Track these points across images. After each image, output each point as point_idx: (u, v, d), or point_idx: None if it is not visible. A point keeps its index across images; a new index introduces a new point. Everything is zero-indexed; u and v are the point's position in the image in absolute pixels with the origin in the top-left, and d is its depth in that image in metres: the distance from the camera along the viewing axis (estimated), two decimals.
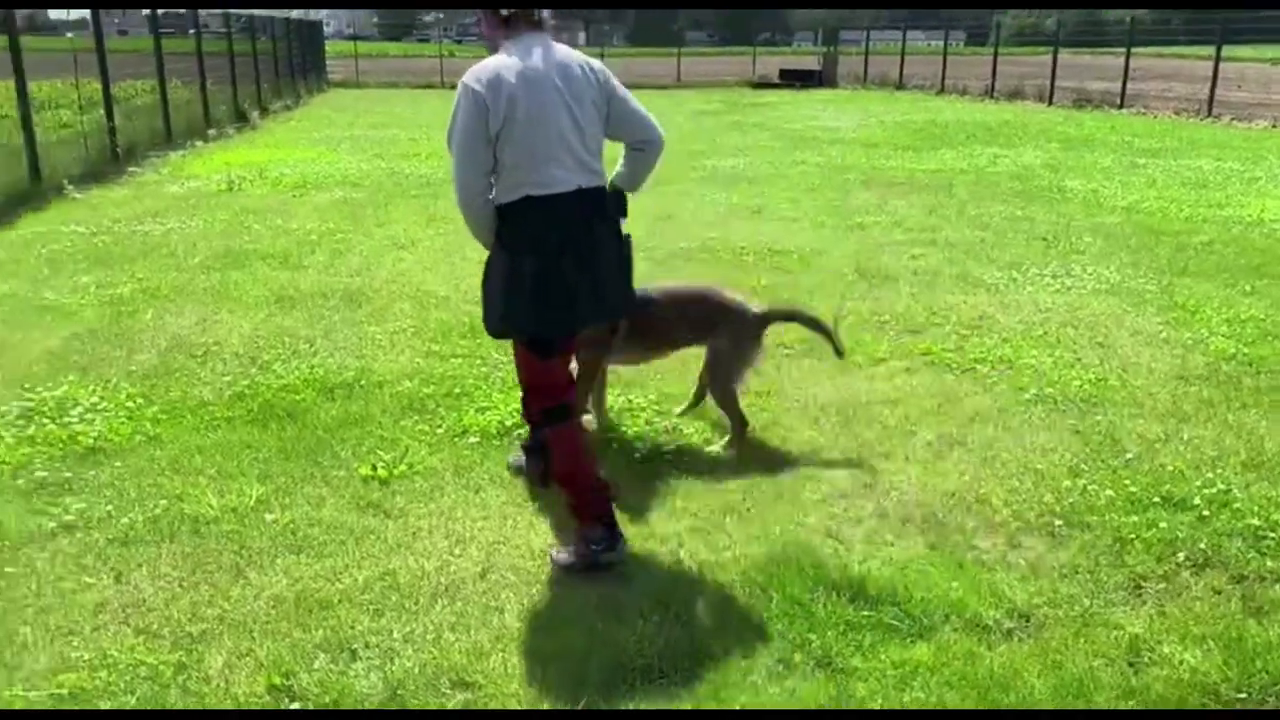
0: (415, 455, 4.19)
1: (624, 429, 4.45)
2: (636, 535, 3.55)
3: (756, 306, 4.41)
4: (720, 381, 4.30)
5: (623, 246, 3.50)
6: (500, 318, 3.37)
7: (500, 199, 3.25)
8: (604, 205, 3.39)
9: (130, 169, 12.56)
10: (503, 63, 3.20)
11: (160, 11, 16.32)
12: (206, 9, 18.37)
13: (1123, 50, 25.43)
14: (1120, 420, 4.56)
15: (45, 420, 4.49)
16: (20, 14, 10.98)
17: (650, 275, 7.11)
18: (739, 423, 4.31)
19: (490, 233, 3.32)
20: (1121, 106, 23.05)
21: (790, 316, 4.58)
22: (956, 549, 3.47)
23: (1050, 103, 24.98)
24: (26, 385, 4.90)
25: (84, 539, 3.53)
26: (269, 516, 3.67)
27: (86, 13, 14.05)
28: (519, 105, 3.14)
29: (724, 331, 4.29)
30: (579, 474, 3.42)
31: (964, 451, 4.25)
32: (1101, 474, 4.00)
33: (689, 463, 4.14)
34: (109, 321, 6.01)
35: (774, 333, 5.77)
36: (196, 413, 4.64)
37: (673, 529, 3.60)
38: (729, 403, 4.30)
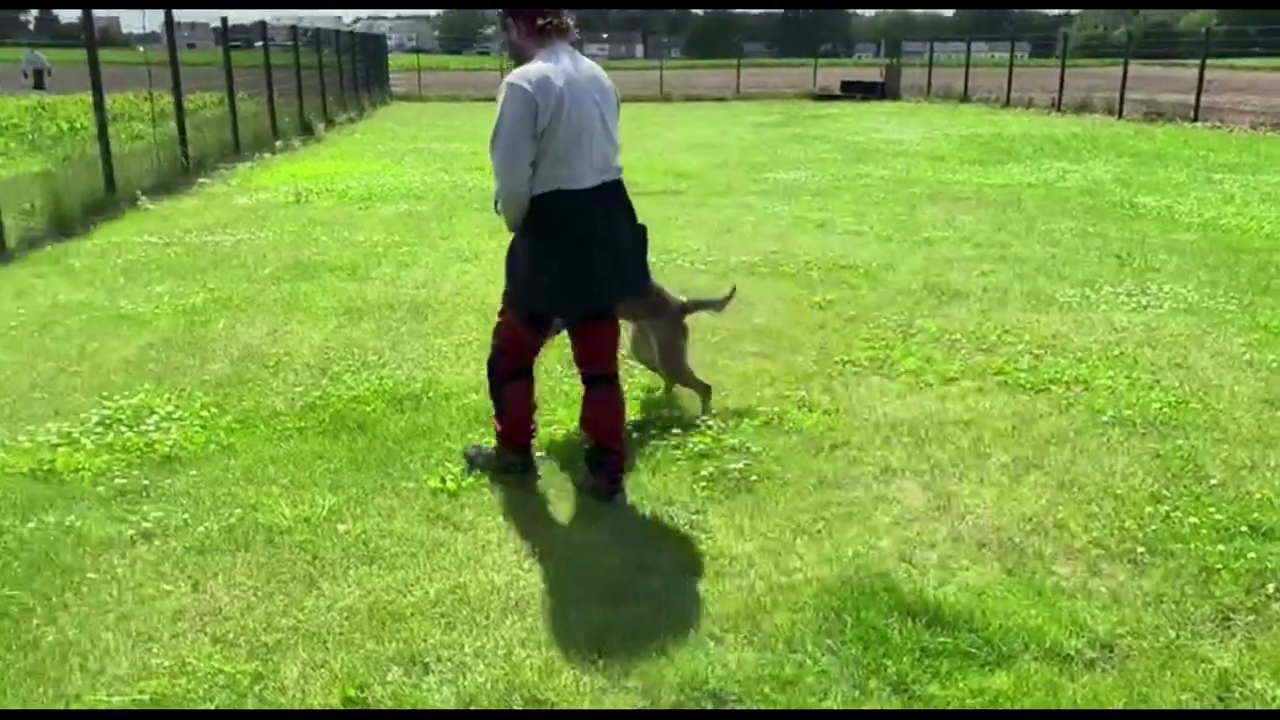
0: (483, 469, 4.20)
1: (690, 445, 4.42)
2: (705, 554, 3.53)
3: (680, 297, 4.86)
4: (674, 364, 4.78)
5: (639, 231, 3.90)
6: (524, 296, 3.81)
7: (533, 190, 3.60)
8: (620, 195, 3.78)
9: (200, 180, 12.84)
10: (548, 68, 3.53)
11: (228, 24, 16.68)
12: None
13: (1195, 62, 24.89)
14: (1203, 445, 4.43)
15: (123, 428, 4.59)
16: (94, 27, 11.27)
17: (712, 288, 7.11)
18: (703, 389, 4.80)
19: (521, 220, 3.69)
20: (1195, 120, 22.53)
21: (700, 307, 4.96)
22: (1035, 575, 3.39)
23: (1120, 116, 24.51)
24: (105, 393, 5.01)
25: (162, 546, 3.58)
26: (341, 527, 3.71)
27: (158, 26, 14.43)
28: (564, 107, 3.50)
29: (665, 318, 4.72)
30: (527, 422, 4.09)
31: (1040, 475, 4.16)
32: (1185, 500, 3.89)
33: (756, 481, 4.10)
34: (183, 331, 6.13)
35: (842, 349, 5.75)
36: (269, 423, 4.71)
37: (742, 549, 3.57)
38: (688, 376, 4.80)
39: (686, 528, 3.72)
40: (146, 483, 4.07)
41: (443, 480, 4.08)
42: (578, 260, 3.65)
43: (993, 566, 3.45)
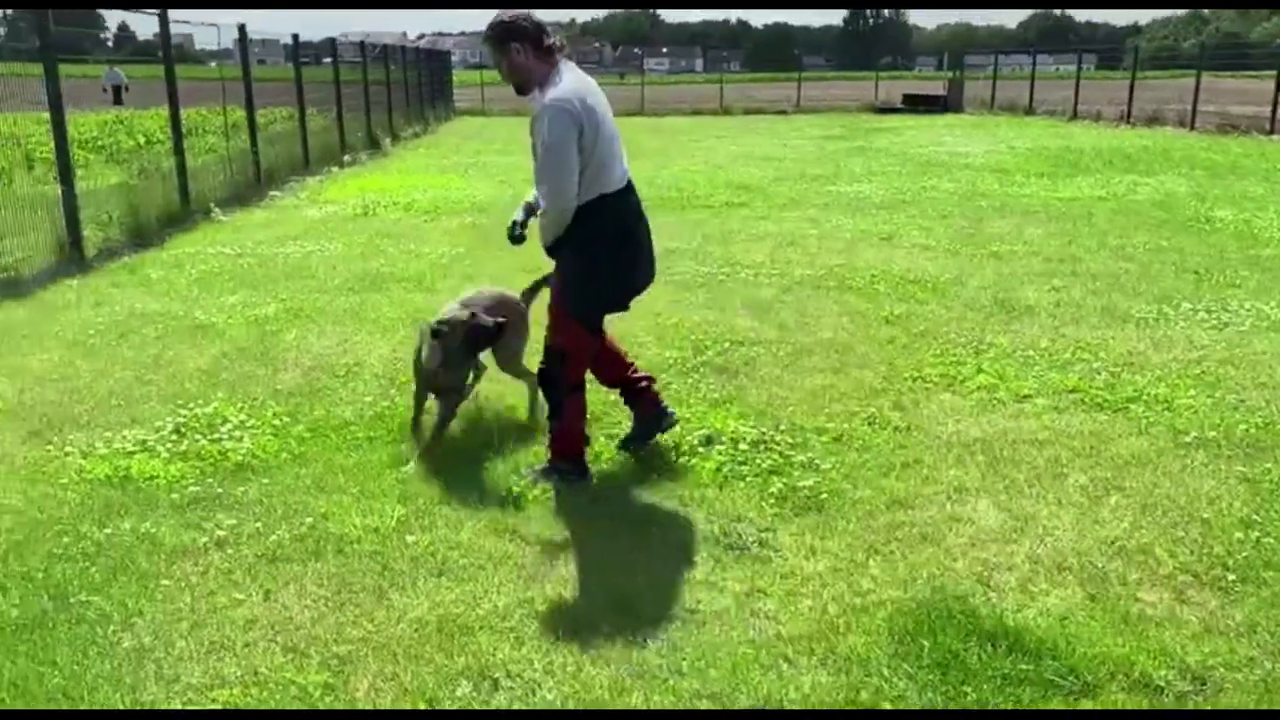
0: (549, 480, 4.19)
1: (758, 462, 4.36)
2: (776, 573, 3.47)
3: (518, 294, 4.90)
4: (515, 359, 4.85)
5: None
6: (587, 302, 4.00)
7: (579, 199, 3.82)
8: (635, 188, 4.06)
9: (271, 193, 13.08)
10: (573, 87, 3.77)
11: (299, 40, 17.02)
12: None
13: (1269, 73, 24.23)
14: None
15: (198, 436, 4.65)
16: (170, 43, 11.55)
17: (775, 301, 7.05)
18: (533, 379, 4.66)
19: (561, 233, 3.91)
20: (1271, 132, 21.92)
21: (533, 291, 4.93)
22: (1119, 602, 3.27)
23: (1192, 128, 23.94)
24: (180, 401, 5.09)
25: (234, 554, 3.62)
26: (410, 538, 3.71)
27: (231, 42, 14.74)
28: (597, 119, 3.77)
29: (518, 321, 4.81)
30: (582, 430, 4.22)
31: (1121, 497, 4.03)
32: (1278, 526, 3.74)
33: (826, 499, 4.03)
34: (254, 341, 6.22)
35: (912, 365, 5.65)
36: (339, 432, 4.74)
37: (813, 568, 3.50)
38: (524, 369, 4.85)
39: (756, 546, 3.66)
40: (220, 491, 4.12)
41: (509, 491, 4.07)
42: (626, 256, 3.99)
43: (1074, 591, 3.34)
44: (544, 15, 3.93)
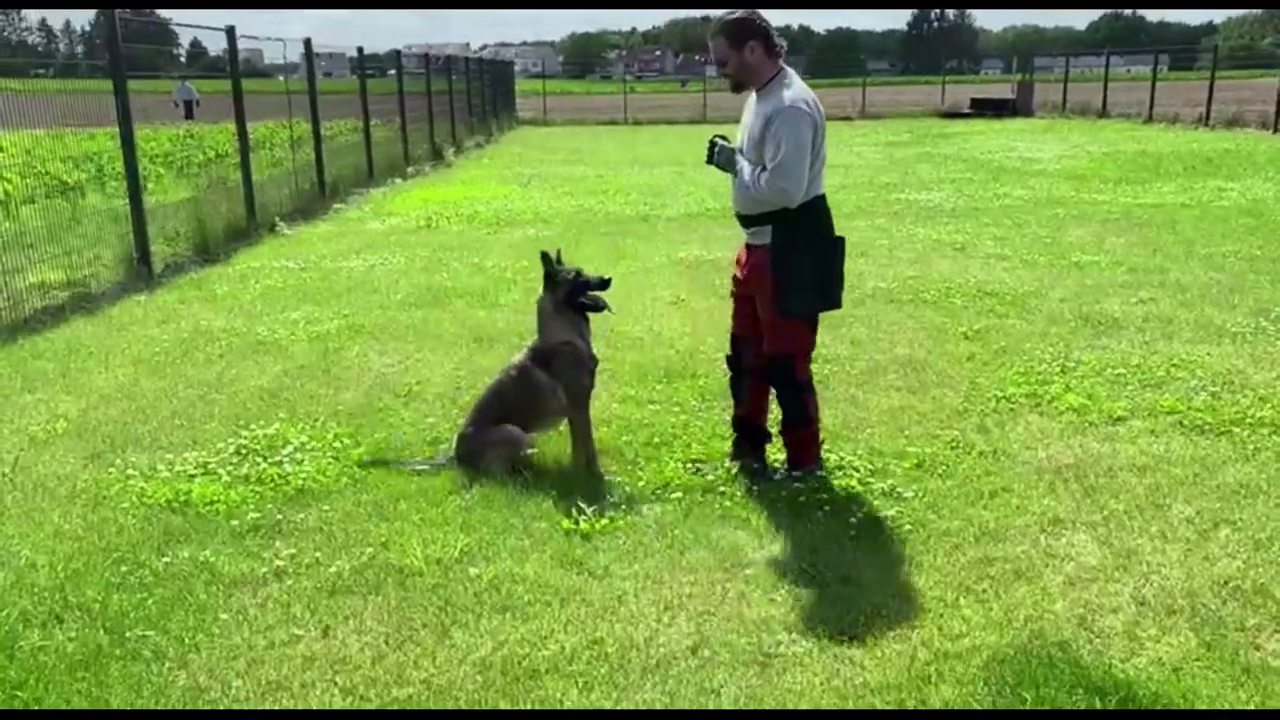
0: (616, 509, 4.02)
1: (836, 490, 4.15)
2: (860, 613, 3.25)
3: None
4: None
5: None
6: (813, 297, 4.06)
7: (803, 197, 3.94)
8: None
9: (335, 206, 13.14)
10: (807, 92, 3.95)
11: (364, 52, 17.14)
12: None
13: None
14: None
15: (258, 459, 4.57)
16: (239, 58, 11.64)
17: (846, 315, 6.80)
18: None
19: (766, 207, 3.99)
20: None
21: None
22: (1238, 650, 3.00)
23: (1275, 130, 23.07)
24: (241, 422, 5.02)
25: (293, 586, 3.50)
26: (473, 570, 3.56)
27: (297, 56, 14.86)
28: (820, 121, 3.96)
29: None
30: (817, 421, 4.30)
31: (1231, 530, 3.74)
32: None
33: (911, 531, 3.80)
34: (317, 358, 6.15)
35: (995, 384, 5.35)
36: (400, 456, 4.62)
37: (900, 609, 3.28)
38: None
39: (837, 582, 3.45)
40: (280, 517, 4.01)
41: (575, 521, 3.90)
42: (838, 253, 4.11)
43: (1187, 637, 3.08)
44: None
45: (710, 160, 4.18)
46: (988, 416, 5.02)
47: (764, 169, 3.91)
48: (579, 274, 4.55)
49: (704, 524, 3.89)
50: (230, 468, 4.47)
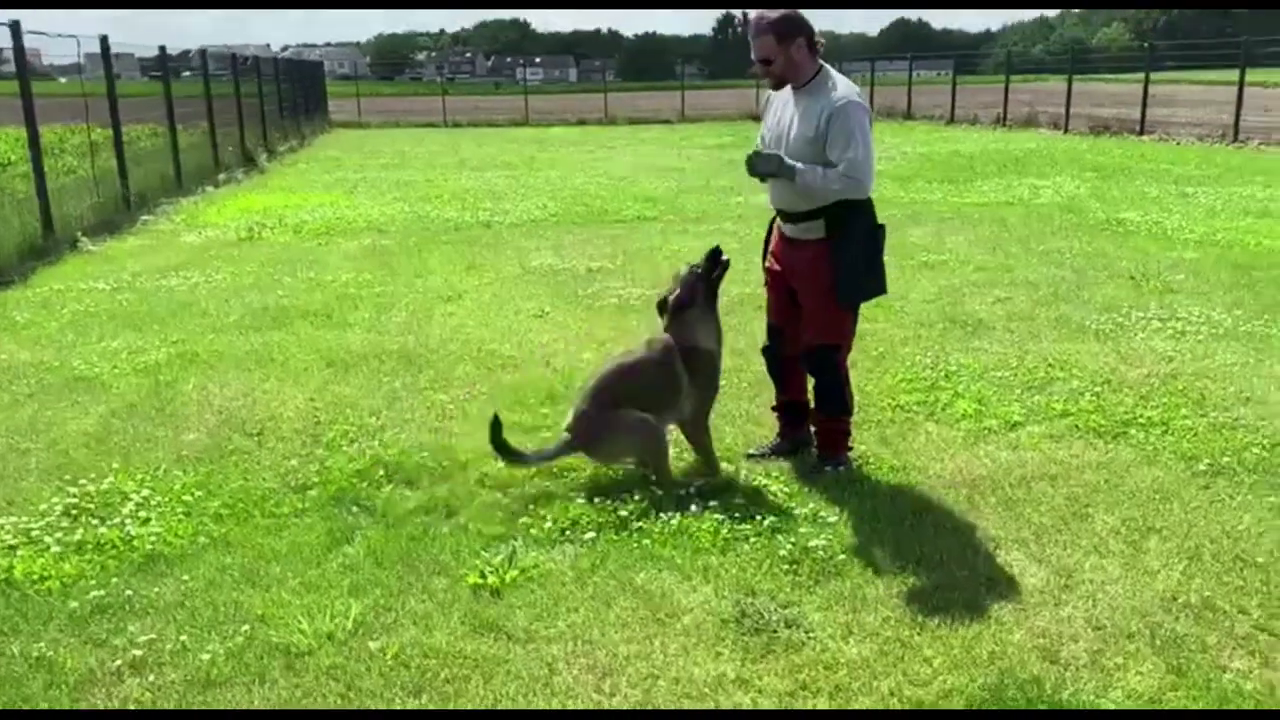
0: (525, 556, 3.62)
1: (759, 519, 3.87)
2: (817, 664, 2.98)
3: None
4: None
5: None
6: (868, 285, 4.17)
7: None
8: None
9: (144, 217, 12.04)
10: (850, 84, 4.04)
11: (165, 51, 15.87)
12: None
13: (1111, 77, 25.16)
14: None
15: (94, 520, 3.91)
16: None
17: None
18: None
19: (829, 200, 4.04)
20: (1141, 133, 22.66)
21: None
22: (1208, 674, 2.90)
23: (1066, 130, 24.62)
24: (67, 476, 4.32)
25: (157, 681, 2.94)
26: (373, 645, 3.09)
27: (80, 57, 13.49)
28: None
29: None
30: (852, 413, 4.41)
31: (1159, 540, 3.69)
32: None
33: (845, 561, 3.57)
34: (148, 394, 5.43)
35: (885, 393, 5.22)
36: (263, 506, 4.06)
37: (858, 653, 3.03)
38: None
39: (782, 626, 3.17)
40: (129, 592, 3.41)
41: (482, 575, 3.48)
42: (884, 239, 4.22)
43: (1155, 664, 2.95)
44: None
45: (754, 172, 4.12)
46: (887, 428, 4.89)
47: (830, 166, 3.95)
48: (702, 267, 4.37)
49: (625, 567, 3.54)
50: (60, 534, 3.80)
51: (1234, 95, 21.14)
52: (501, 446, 4.10)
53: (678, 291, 4.31)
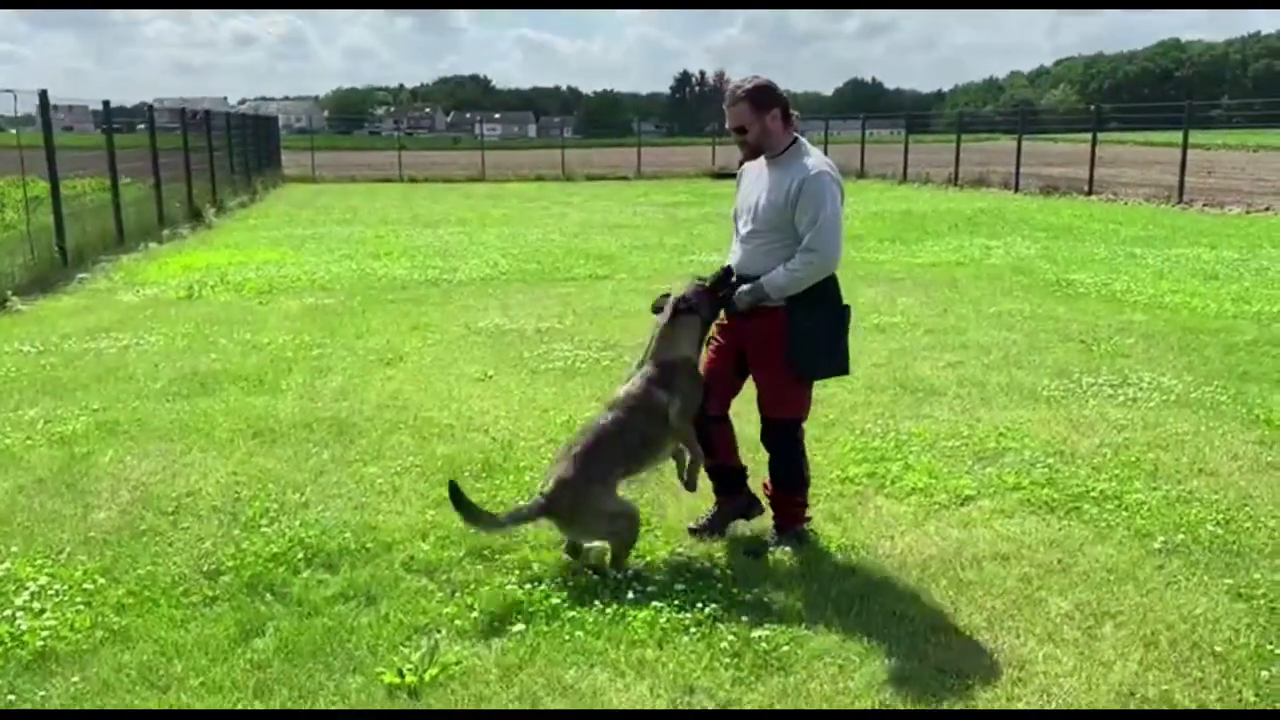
0: (448, 650, 3.38)
1: (699, 608, 3.66)
2: None
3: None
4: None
5: None
6: (828, 360, 4.13)
7: None
8: None
9: (80, 275, 11.70)
10: (823, 156, 4.03)
11: (110, 105, 15.62)
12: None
13: (1060, 137, 25.68)
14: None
15: None
16: None
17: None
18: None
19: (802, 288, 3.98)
20: (1090, 193, 23.07)
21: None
22: None
23: (1016, 190, 25.00)
24: None
25: None
26: None
27: (31, 108, 13.21)
28: (843, 189, 4.08)
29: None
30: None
31: (1114, 626, 3.53)
32: None
33: (790, 653, 3.37)
34: (60, 468, 5.13)
35: (834, 464, 5.04)
36: (170, 595, 3.79)
37: None
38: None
39: None
40: (12, 696, 3.13)
41: (400, 673, 3.24)
42: (848, 319, 4.17)
43: None
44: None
45: (736, 311, 4.10)
46: (834, 502, 4.72)
47: (795, 240, 3.94)
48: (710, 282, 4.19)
49: (555, 664, 3.32)
50: None
51: (1178, 156, 21.59)
52: (467, 509, 3.81)
53: (683, 292, 4.11)
